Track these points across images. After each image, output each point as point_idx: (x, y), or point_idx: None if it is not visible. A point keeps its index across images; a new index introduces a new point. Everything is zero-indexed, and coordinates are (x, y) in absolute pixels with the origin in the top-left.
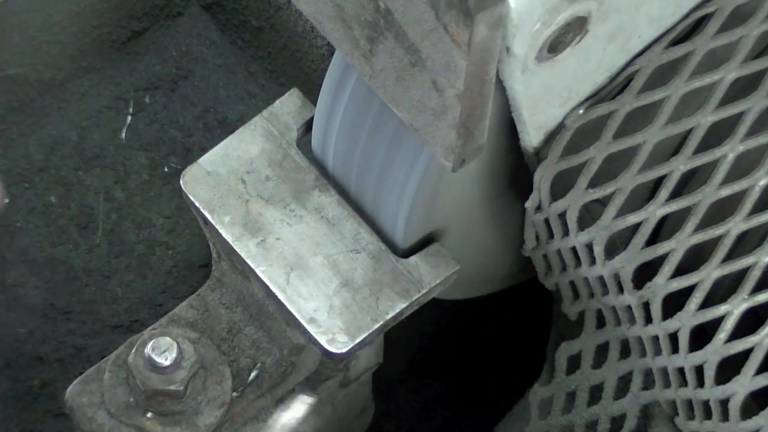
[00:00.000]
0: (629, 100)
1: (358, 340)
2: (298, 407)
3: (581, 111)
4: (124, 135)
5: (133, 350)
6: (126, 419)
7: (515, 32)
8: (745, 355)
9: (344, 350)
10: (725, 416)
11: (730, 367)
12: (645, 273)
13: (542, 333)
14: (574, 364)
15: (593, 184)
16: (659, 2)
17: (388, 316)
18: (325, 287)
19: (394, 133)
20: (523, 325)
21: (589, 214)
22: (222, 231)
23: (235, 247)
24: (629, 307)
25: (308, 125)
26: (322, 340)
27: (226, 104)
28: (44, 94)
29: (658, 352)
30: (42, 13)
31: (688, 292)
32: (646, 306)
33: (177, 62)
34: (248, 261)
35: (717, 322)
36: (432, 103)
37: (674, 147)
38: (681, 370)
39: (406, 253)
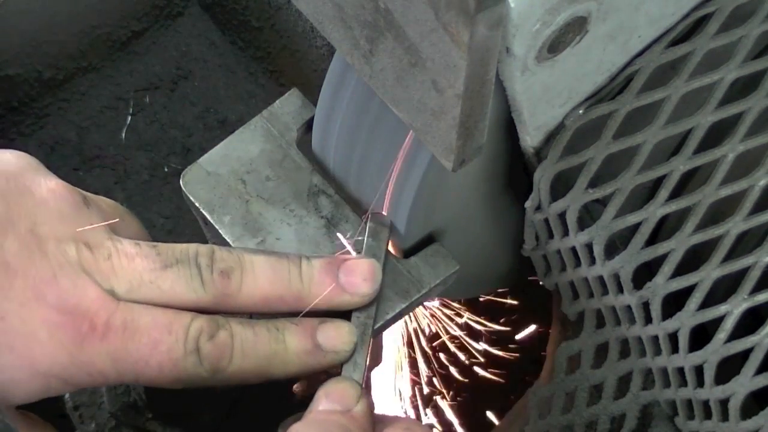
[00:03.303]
0: (629, 100)
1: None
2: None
3: (581, 111)
4: (124, 135)
5: None
6: (126, 419)
7: (515, 32)
8: (745, 355)
9: None
10: (725, 416)
11: (730, 367)
12: (645, 273)
13: (542, 333)
14: (574, 364)
15: (593, 184)
16: (659, 2)
17: (388, 316)
18: None
19: (394, 133)
20: (523, 325)
21: (589, 214)
22: (222, 231)
23: (234, 247)
24: (629, 307)
25: (308, 125)
26: None
27: (226, 104)
28: (44, 94)
29: (657, 352)
30: (42, 13)
31: (688, 292)
32: (646, 306)
33: (177, 62)
34: None
35: (717, 322)
36: (432, 103)
37: (674, 147)
38: (681, 370)
39: (406, 253)
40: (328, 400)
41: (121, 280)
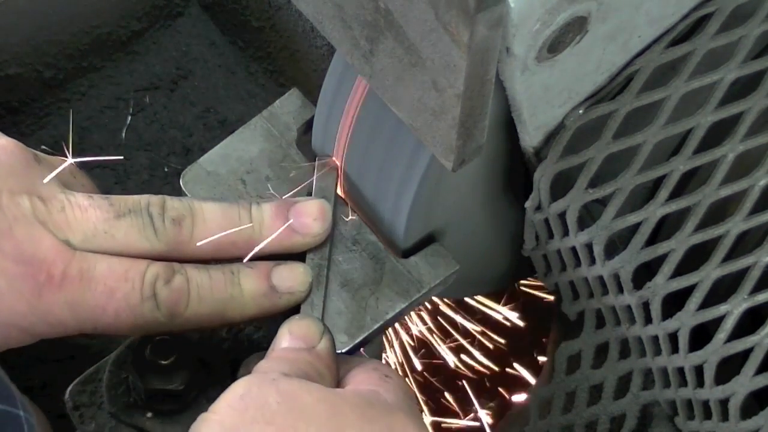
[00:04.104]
0: (629, 100)
1: (358, 340)
2: None
3: (581, 111)
4: (124, 135)
5: (133, 350)
6: (126, 419)
7: (515, 32)
8: (745, 355)
9: (344, 350)
10: (725, 416)
11: (730, 367)
12: (645, 273)
13: (542, 333)
14: (574, 364)
15: (593, 184)
16: (659, 2)
17: (388, 316)
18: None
19: (394, 133)
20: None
21: (589, 214)
22: None
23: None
24: (629, 307)
25: (308, 125)
26: None
27: (226, 104)
28: (44, 94)
29: (657, 352)
30: (42, 13)
31: (688, 292)
32: (646, 306)
33: (177, 62)
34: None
35: (717, 322)
36: (432, 103)
37: (674, 147)
38: (681, 370)
39: (406, 253)
40: (291, 337)
41: (75, 231)
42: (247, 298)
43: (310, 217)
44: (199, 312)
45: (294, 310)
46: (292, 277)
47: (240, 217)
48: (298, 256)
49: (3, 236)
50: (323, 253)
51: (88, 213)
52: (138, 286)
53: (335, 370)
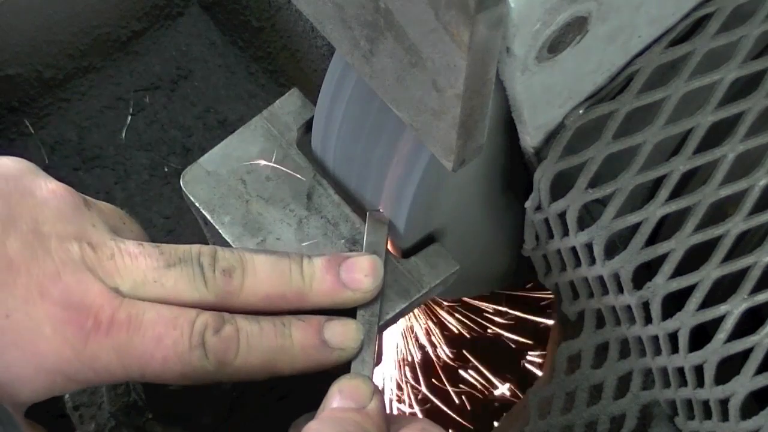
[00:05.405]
0: (629, 100)
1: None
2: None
3: (581, 111)
4: (124, 135)
5: None
6: (126, 419)
7: (515, 32)
8: (745, 355)
9: None
10: (725, 416)
11: (730, 367)
12: (645, 273)
13: (542, 333)
14: (573, 364)
15: (593, 184)
16: (659, 2)
17: (389, 316)
18: None
19: (394, 133)
20: (523, 324)
21: (589, 214)
22: (222, 231)
23: (235, 247)
24: (629, 307)
25: (308, 125)
26: None
27: (226, 104)
28: (44, 94)
29: (657, 352)
30: (42, 13)
31: (688, 292)
32: (646, 306)
33: (177, 62)
34: None
35: (717, 322)
36: (432, 103)
37: (674, 147)
38: (681, 370)
39: (406, 253)
40: (341, 397)
41: (124, 278)
42: (297, 350)
43: (361, 273)
44: (249, 362)
45: (344, 365)
46: (344, 333)
47: (291, 270)
48: (347, 311)
49: (51, 281)
50: (374, 309)
51: (138, 261)
52: (187, 334)
53: (385, 430)
